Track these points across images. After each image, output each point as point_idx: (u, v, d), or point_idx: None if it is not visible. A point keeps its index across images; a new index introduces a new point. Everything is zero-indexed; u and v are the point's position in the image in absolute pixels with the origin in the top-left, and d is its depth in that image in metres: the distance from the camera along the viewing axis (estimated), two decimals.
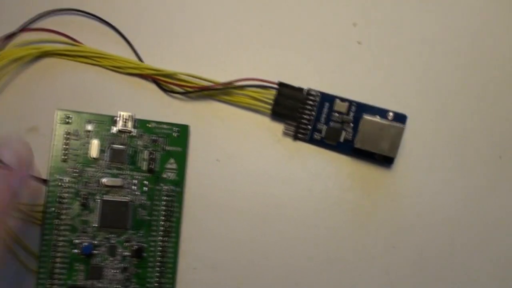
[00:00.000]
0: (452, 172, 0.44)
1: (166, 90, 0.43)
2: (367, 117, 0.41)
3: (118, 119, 0.41)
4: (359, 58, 0.45)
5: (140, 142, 0.41)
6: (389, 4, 0.46)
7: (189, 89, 0.43)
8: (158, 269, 0.40)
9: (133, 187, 0.40)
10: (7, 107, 0.41)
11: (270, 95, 0.43)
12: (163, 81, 0.42)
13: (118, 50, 0.43)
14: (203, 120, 0.43)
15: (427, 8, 0.46)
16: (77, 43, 0.42)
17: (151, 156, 0.41)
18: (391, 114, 0.42)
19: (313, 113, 0.42)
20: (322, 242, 0.42)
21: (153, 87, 0.43)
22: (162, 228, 0.40)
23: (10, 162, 0.33)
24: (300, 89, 0.42)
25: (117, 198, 0.40)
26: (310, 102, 0.42)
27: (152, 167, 0.41)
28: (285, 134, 0.43)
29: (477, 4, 0.46)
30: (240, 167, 0.43)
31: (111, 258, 0.40)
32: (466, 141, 0.44)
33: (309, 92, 0.42)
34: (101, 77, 0.42)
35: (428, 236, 0.43)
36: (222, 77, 0.43)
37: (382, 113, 0.42)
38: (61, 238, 0.39)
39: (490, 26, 0.46)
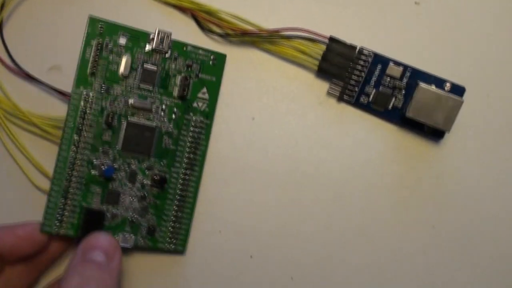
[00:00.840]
0: (505, 155, 0.42)
1: (205, 29, 0.39)
2: (423, 85, 0.39)
3: (154, 36, 0.37)
4: (416, 20, 0.41)
5: (173, 65, 0.38)
6: None
7: (230, 32, 0.39)
8: (177, 202, 0.38)
9: (161, 112, 0.38)
10: (29, 11, 0.38)
11: (319, 49, 0.39)
12: (203, 18, 0.39)
13: None
14: (242, 69, 0.40)
15: None
16: None
17: (183, 81, 0.38)
18: (448, 85, 0.39)
19: (363, 74, 0.39)
20: (357, 215, 0.40)
21: (191, 23, 0.39)
22: (186, 160, 0.38)
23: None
24: (352, 47, 0.39)
25: (143, 121, 0.37)
26: (361, 62, 0.39)
27: (184, 93, 0.38)
28: (330, 94, 0.40)
29: None
30: (276, 126, 0.40)
31: (130, 185, 0.37)
32: None
33: (361, 51, 0.39)
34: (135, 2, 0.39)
35: (470, 220, 0.41)
36: (268, 24, 0.39)
37: (439, 82, 0.39)
38: (79, 156, 0.36)
39: None
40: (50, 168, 0.36)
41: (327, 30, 0.39)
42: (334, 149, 0.41)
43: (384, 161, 0.41)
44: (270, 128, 0.40)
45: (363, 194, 0.41)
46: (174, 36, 0.38)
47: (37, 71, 0.38)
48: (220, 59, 0.39)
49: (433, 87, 0.39)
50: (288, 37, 0.39)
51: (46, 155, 0.37)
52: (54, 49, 0.38)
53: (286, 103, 0.40)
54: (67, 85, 0.37)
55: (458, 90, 0.39)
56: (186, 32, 0.39)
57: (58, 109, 0.38)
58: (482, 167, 0.41)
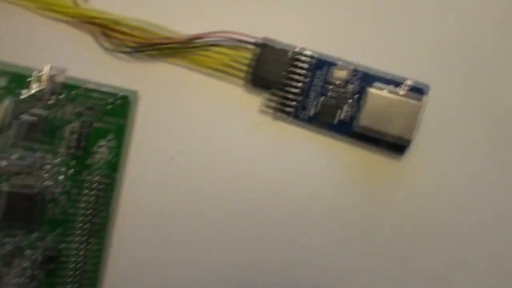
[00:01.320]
0: (481, 163, 0.33)
1: (109, 49, 0.32)
2: (373, 90, 0.31)
3: (37, 76, 0.30)
4: (362, 4, 0.34)
5: (64, 112, 0.30)
6: None
7: (137, 44, 0.32)
8: (76, 278, 0.30)
9: (53, 170, 0.30)
10: None
11: (247, 56, 0.32)
12: (105, 31, 0.32)
13: None
14: (154, 87, 0.33)
15: None
16: None
17: (78, 131, 0.30)
18: (408, 83, 0.31)
19: (302, 82, 0.32)
20: (313, 252, 0.32)
21: (89, 39, 0.33)
22: (88, 225, 0.30)
23: None
24: (286, 50, 0.32)
25: (25, 186, 0.29)
26: (300, 68, 0.31)
27: (79, 145, 0.30)
28: (265, 110, 0.32)
29: None
30: (206, 160, 0.33)
31: (16, 262, 0.29)
32: (501, 120, 0.33)
33: (299, 53, 0.32)
34: (24, 21, 0.32)
35: (446, 250, 0.33)
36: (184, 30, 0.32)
37: (396, 83, 0.31)
38: None
39: None
40: None
41: (256, 31, 0.32)
42: (279, 177, 0.33)
43: (338, 185, 0.33)
44: (199, 162, 0.33)
45: (315, 228, 0.33)
46: (71, 59, 0.32)
47: None
48: (127, 98, 0.31)
49: (387, 90, 0.30)
50: (209, 44, 0.32)
51: None
52: None
53: (215, 129, 0.33)
54: None
55: (420, 90, 0.31)
56: (87, 50, 0.33)
57: None
58: (457, 179, 0.33)
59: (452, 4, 0.34)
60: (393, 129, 0.30)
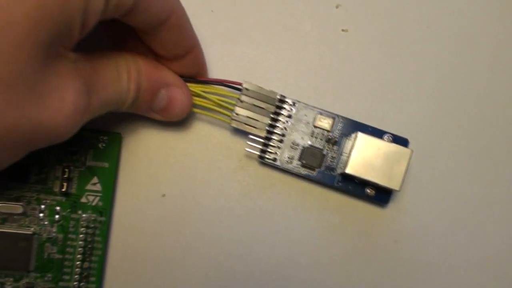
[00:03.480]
0: (462, 211, 0.33)
1: None
2: (361, 135, 0.30)
3: None
4: (345, 52, 0.34)
5: (52, 155, 0.31)
6: None
7: None
8: None
9: (39, 214, 0.30)
10: None
11: (231, 100, 0.31)
12: None
13: None
14: (140, 130, 0.33)
15: None
16: None
17: (66, 173, 0.30)
18: (388, 136, 0.31)
19: (286, 128, 0.32)
20: None
21: None
22: (78, 269, 0.30)
23: None
24: (271, 96, 0.31)
25: (16, 229, 0.30)
26: (283, 115, 0.32)
27: (67, 188, 0.30)
28: (247, 152, 0.32)
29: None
30: (192, 203, 0.33)
31: None
32: (480, 167, 0.34)
33: (282, 101, 0.32)
34: None
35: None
36: None
37: (377, 134, 0.31)
38: None
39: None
40: None
41: (240, 75, 0.33)
42: (265, 221, 0.33)
43: (326, 231, 0.33)
44: (185, 204, 0.33)
45: (307, 272, 0.33)
46: None
47: None
48: (114, 140, 0.32)
49: (372, 141, 0.30)
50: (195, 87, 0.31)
51: None
52: None
53: (201, 172, 0.33)
54: None
55: (400, 142, 0.31)
56: None
57: None
58: (434, 228, 0.33)
59: (429, 64, 0.34)
60: (380, 176, 0.30)
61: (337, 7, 0.34)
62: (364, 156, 0.30)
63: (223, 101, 0.31)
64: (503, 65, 0.34)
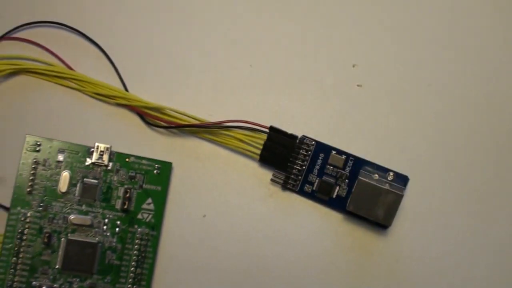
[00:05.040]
0: (456, 235, 0.40)
1: (150, 124, 0.39)
2: (363, 178, 0.37)
3: (93, 150, 0.37)
4: (359, 103, 0.41)
5: (115, 178, 0.37)
6: (391, 43, 0.42)
7: (172, 125, 0.39)
8: None
9: (103, 227, 0.36)
10: None
11: (260, 139, 0.39)
12: (148, 115, 0.39)
13: (102, 75, 0.40)
14: (187, 159, 0.39)
15: (436, 50, 0.42)
16: (55, 64, 0.39)
17: (126, 194, 0.37)
18: (391, 174, 0.38)
19: (305, 163, 0.38)
20: None
21: (136, 119, 0.39)
22: (132, 275, 0.36)
23: None
24: (293, 136, 0.39)
25: (84, 238, 0.36)
26: (303, 152, 0.38)
27: (127, 206, 0.37)
28: (273, 182, 0.39)
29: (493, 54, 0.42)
30: (227, 222, 0.39)
31: None
32: (472, 204, 0.40)
33: (302, 140, 0.39)
34: (80, 103, 0.39)
35: None
36: (210, 117, 0.39)
37: (382, 171, 0.38)
38: (17, 279, 0.35)
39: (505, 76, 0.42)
40: None
41: (269, 119, 0.39)
42: (288, 241, 0.39)
43: (340, 250, 0.39)
44: (222, 224, 0.39)
45: (321, 285, 0.38)
46: (118, 135, 0.39)
47: None
48: (165, 167, 0.38)
49: (375, 177, 0.37)
50: (230, 127, 0.39)
51: None
52: None
53: (235, 197, 0.39)
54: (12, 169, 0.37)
55: (402, 179, 0.38)
56: (133, 128, 0.39)
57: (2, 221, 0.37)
58: (433, 251, 0.39)
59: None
60: (376, 213, 0.37)
61: (353, 66, 0.41)
62: (365, 196, 0.37)
63: (253, 139, 0.39)
64: (492, 116, 0.41)
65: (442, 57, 0.42)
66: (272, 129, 0.38)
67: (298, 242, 0.39)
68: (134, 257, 0.37)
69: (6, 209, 0.36)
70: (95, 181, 0.37)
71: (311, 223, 0.39)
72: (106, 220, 0.37)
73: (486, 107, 0.41)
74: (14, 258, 0.35)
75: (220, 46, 0.41)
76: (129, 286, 0.36)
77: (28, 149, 0.36)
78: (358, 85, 0.41)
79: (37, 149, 0.36)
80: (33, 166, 0.36)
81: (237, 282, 0.38)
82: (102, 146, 0.37)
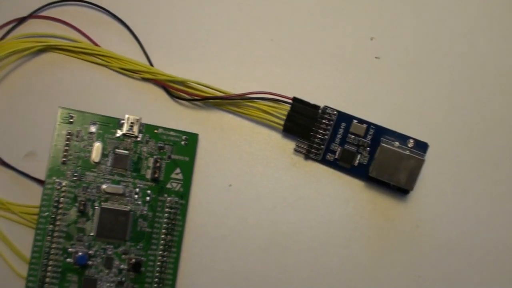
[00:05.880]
0: (475, 199, 0.42)
1: (175, 97, 0.41)
2: (385, 145, 0.39)
3: (124, 122, 0.38)
4: (378, 75, 0.42)
5: (145, 149, 0.38)
6: (408, 16, 0.43)
7: (197, 97, 0.40)
8: (156, 285, 0.38)
9: (134, 196, 0.38)
10: (5, 102, 0.39)
11: (283, 110, 0.40)
12: (173, 88, 0.40)
13: (127, 51, 0.41)
14: (212, 131, 0.41)
15: (452, 22, 0.43)
16: (81, 41, 0.40)
17: (156, 164, 0.38)
18: (411, 141, 0.39)
19: (328, 132, 0.40)
20: (341, 271, 0.40)
21: (161, 92, 0.40)
22: (162, 242, 0.38)
23: None
24: (315, 106, 0.40)
25: (117, 206, 0.38)
26: (325, 121, 0.40)
27: (157, 176, 0.38)
28: (296, 151, 0.41)
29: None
30: (253, 191, 0.40)
31: (106, 271, 0.37)
32: (490, 169, 0.42)
33: (325, 110, 0.40)
34: (107, 78, 0.40)
35: (456, 267, 0.41)
36: (235, 90, 0.41)
37: (402, 139, 0.39)
38: (54, 246, 0.36)
39: None
40: (28, 253, 0.37)
41: (291, 90, 0.40)
42: (311, 208, 0.40)
43: (358, 216, 0.41)
44: (248, 193, 0.40)
45: (344, 251, 0.40)
46: (145, 108, 0.40)
47: (13, 157, 0.39)
48: (192, 138, 0.39)
49: (396, 145, 0.39)
50: (253, 99, 0.40)
51: (25, 240, 0.38)
52: (29, 135, 0.39)
53: (260, 167, 0.41)
54: (43, 170, 0.38)
55: (422, 146, 0.39)
56: (159, 101, 0.40)
57: (35, 194, 0.38)
58: (453, 216, 0.41)
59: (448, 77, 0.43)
60: (399, 178, 0.38)
61: (371, 39, 0.42)
62: (385, 162, 0.38)
63: (276, 110, 0.40)
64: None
65: (458, 30, 0.43)
66: (295, 99, 0.40)
67: (321, 209, 0.41)
68: (164, 225, 0.38)
69: (39, 181, 0.38)
70: (126, 151, 0.38)
71: (333, 191, 0.41)
72: (137, 189, 0.38)
73: (503, 75, 0.43)
74: (51, 226, 0.36)
75: (242, 21, 0.42)
76: (160, 252, 0.38)
77: (62, 121, 0.38)
78: (376, 57, 0.42)
79: (70, 121, 0.38)
80: (67, 137, 0.37)
81: (262, 248, 0.40)
82: (132, 118, 0.38)
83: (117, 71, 0.40)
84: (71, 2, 0.41)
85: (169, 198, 0.38)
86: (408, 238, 0.41)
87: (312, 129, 0.40)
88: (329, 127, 0.40)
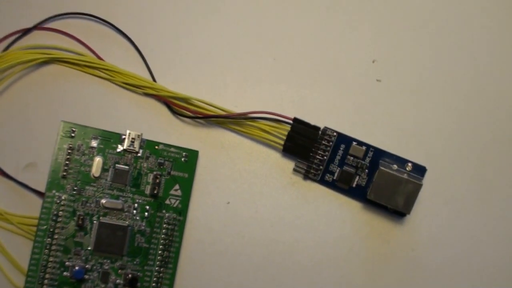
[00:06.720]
0: (470, 224, 0.42)
1: (177, 113, 0.41)
2: (383, 168, 0.39)
3: (125, 137, 0.38)
4: (378, 98, 0.43)
5: (145, 164, 0.39)
6: (410, 40, 0.44)
7: (199, 115, 0.41)
8: None
9: (133, 211, 0.38)
10: (7, 112, 0.39)
11: (284, 130, 0.40)
12: (175, 105, 0.40)
13: (131, 66, 0.41)
14: (212, 149, 0.41)
15: (452, 47, 0.44)
16: (85, 54, 0.41)
17: (155, 180, 0.39)
18: (409, 165, 0.40)
19: (327, 153, 0.40)
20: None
21: (163, 108, 0.41)
22: (159, 257, 0.38)
23: None
24: (315, 127, 0.40)
25: (115, 221, 0.38)
26: (325, 142, 0.40)
27: (156, 192, 0.38)
28: (295, 171, 0.41)
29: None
30: (251, 209, 0.41)
31: (102, 285, 0.37)
32: (485, 193, 0.42)
33: (325, 131, 0.40)
34: (110, 92, 0.41)
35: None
36: (237, 109, 0.41)
37: (401, 162, 0.40)
38: (51, 259, 0.37)
39: None
40: (25, 264, 0.37)
41: (292, 110, 0.41)
42: (308, 228, 0.41)
43: (358, 237, 0.41)
44: (245, 211, 0.41)
45: (340, 272, 0.41)
46: (146, 123, 0.40)
47: (13, 168, 0.39)
48: (192, 155, 0.40)
49: (394, 168, 0.39)
50: (254, 119, 0.40)
51: (23, 251, 0.38)
52: (30, 147, 0.39)
53: (259, 185, 0.41)
54: (43, 181, 0.38)
55: (420, 170, 0.40)
56: (161, 117, 0.40)
57: (34, 205, 0.38)
58: (447, 240, 0.42)
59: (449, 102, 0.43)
60: (396, 202, 0.39)
61: (373, 61, 0.43)
62: (384, 185, 0.39)
63: (277, 129, 0.40)
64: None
65: (459, 55, 0.44)
66: (296, 120, 0.40)
67: (318, 230, 0.41)
68: (161, 241, 0.38)
69: (39, 193, 0.38)
70: (126, 167, 0.38)
71: (331, 211, 0.41)
72: (136, 205, 0.38)
73: (502, 101, 0.43)
74: (49, 239, 0.37)
75: (245, 40, 0.43)
76: (156, 268, 0.38)
77: (63, 135, 0.38)
78: (377, 80, 0.43)
79: (72, 135, 0.38)
80: (68, 151, 0.38)
81: (258, 266, 0.40)
82: (133, 134, 0.38)
83: (120, 86, 0.41)
84: (76, 15, 0.41)
85: (167, 214, 0.39)
86: (403, 261, 0.41)
87: (311, 149, 0.40)
88: (328, 148, 0.40)
